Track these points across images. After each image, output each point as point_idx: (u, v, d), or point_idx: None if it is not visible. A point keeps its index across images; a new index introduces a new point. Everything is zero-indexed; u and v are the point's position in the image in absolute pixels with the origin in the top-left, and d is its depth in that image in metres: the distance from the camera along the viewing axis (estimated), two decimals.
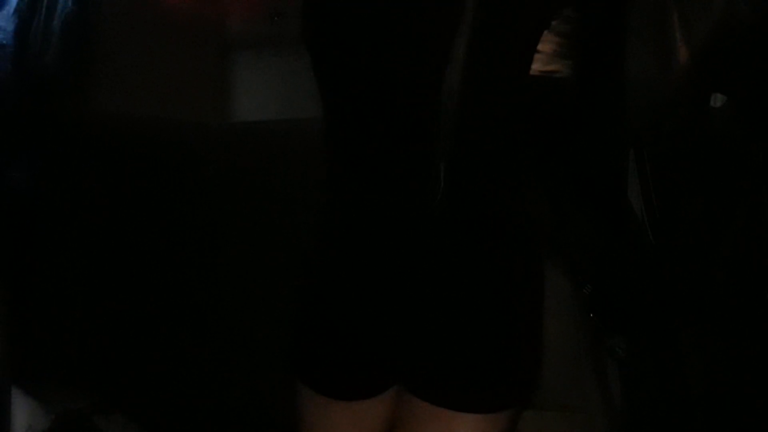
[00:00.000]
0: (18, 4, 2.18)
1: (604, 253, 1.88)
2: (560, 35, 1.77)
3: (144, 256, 2.31)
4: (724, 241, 1.76)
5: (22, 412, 2.20)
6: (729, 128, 1.74)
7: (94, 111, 2.26)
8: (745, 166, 1.74)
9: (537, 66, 1.45)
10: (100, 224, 2.32)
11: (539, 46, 1.48)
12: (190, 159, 2.22)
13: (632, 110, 1.79)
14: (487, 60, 1.29)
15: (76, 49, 2.23)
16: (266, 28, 2.23)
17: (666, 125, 1.81)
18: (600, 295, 1.91)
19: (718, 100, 1.75)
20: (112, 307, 2.33)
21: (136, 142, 2.22)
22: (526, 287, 1.44)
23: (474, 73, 1.29)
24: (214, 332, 2.27)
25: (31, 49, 2.20)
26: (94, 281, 2.34)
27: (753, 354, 1.74)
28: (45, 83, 2.23)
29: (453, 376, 1.40)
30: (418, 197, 1.33)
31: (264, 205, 2.21)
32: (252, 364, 2.24)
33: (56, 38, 2.20)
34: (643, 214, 1.86)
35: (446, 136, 1.30)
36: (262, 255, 2.23)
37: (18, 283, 2.21)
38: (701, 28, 1.79)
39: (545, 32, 1.49)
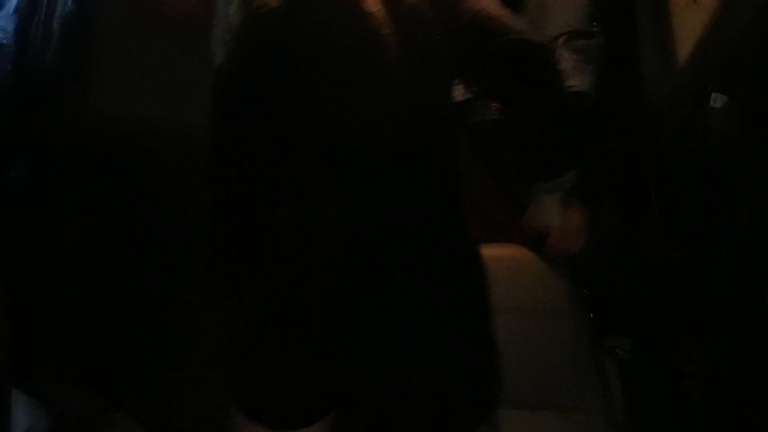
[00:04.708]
0: (18, 3, 2.19)
1: (605, 254, 1.88)
2: (577, 51, 1.79)
3: (144, 257, 2.31)
4: (725, 241, 1.76)
5: (22, 412, 2.20)
6: (729, 128, 1.74)
7: (94, 111, 2.26)
8: (745, 166, 1.74)
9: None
10: (100, 224, 2.32)
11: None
12: (190, 159, 2.21)
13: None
14: None
15: (76, 49, 2.23)
16: None
17: (666, 125, 1.81)
18: (600, 296, 1.92)
19: (718, 100, 1.75)
20: (112, 307, 2.33)
21: (135, 142, 2.22)
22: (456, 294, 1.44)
23: None
24: (214, 333, 2.27)
25: (31, 49, 2.20)
26: (94, 281, 2.34)
27: (753, 354, 1.74)
28: (45, 83, 2.23)
29: (385, 410, 1.39)
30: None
31: None
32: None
33: (56, 38, 2.20)
34: (643, 214, 1.86)
35: None
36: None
37: (18, 283, 2.21)
38: (702, 28, 1.79)
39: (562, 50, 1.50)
